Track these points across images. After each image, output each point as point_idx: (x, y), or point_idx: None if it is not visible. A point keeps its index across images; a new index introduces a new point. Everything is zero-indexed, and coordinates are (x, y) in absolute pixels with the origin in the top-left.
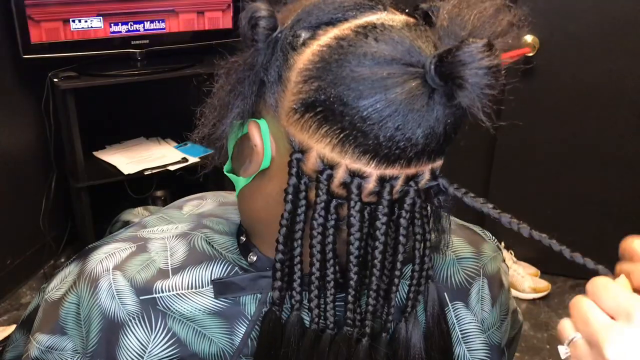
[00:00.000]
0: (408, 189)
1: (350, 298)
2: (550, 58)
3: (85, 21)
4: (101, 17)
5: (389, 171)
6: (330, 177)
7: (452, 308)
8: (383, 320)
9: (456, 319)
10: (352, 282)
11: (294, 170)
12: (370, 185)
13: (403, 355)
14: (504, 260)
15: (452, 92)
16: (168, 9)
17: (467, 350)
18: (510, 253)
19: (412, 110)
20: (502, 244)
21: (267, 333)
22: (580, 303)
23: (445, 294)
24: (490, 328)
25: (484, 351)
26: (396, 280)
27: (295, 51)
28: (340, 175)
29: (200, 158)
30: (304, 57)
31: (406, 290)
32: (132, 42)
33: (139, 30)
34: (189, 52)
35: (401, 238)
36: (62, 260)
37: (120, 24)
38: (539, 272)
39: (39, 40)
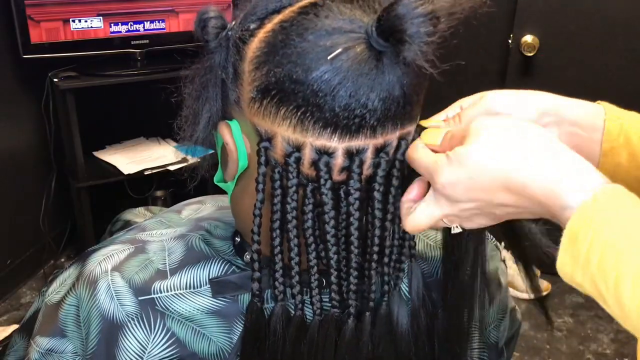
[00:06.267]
0: (379, 160)
1: (332, 279)
2: (550, 58)
3: (85, 21)
4: (101, 17)
5: (355, 143)
6: (298, 160)
7: None
8: (366, 299)
9: None
10: (332, 262)
11: (262, 159)
12: (339, 160)
13: (388, 336)
14: (503, 260)
15: (396, 50)
16: (168, 9)
17: None
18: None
19: (362, 75)
20: (502, 244)
21: (251, 326)
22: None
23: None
24: (487, 327)
25: (481, 350)
26: (375, 257)
27: (245, 44)
28: (307, 155)
29: (202, 158)
30: (253, 46)
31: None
32: (132, 42)
33: (139, 30)
34: (189, 52)
35: (377, 212)
36: (62, 260)
37: (120, 24)
38: (539, 272)
39: (39, 40)
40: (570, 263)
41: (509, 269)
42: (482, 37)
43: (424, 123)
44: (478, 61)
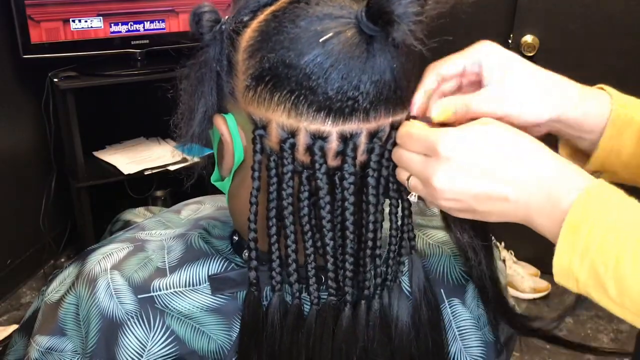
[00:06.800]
0: (373, 146)
1: (329, 266)
2: (550, 58)
3: (85, 21)
4: (101, 17)
5: (348, 126)
6: (293, 146)
7: (449, 305)
8: (361, 287)
9: (452, 316)
10: (328, 249)
11: (257, 146)
12: (333, 144)
13: (386, 328)
14: (503, 260)
15: (385, 31)
16: (168, 9)
17: (464, 348)
18: (511, 253)
19: (353, 58)
20: (502, 244)
21: (249, 317)
22: (397, 154)
23: (441, 290)
24: (486, 325)
25: (480, 348)
26: (370, 243)
27: (239, 35)
28: (302, 140)
29: (201, 158)
30: (247, 36)
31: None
32: (132, 42)
33: (139, 30)
34: (189, 52)
35: (371, 198)
36: (62, 260)
37: (120, 24)
38: (539, 272)
39: (39, 40)
40: (569, 252)
41: (508, 269)
42: (482, 37)
43: (436, 108)
44: None
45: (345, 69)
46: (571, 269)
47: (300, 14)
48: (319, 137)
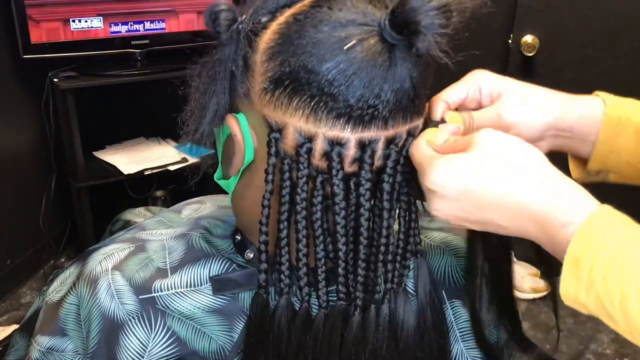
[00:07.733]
0: (390, 152)
1: (340, 270)
2: (550, 58)
3: (85, 21)
4: (101, 17)
5: (367, 134)
6: (310, 151)
7: (450, 306)
8: (371, 291)
9: (454, 317)
10: (340, 254)
11: (272, 150)
12: (351, 151)
13: (393, 331)
14: None
15: (410, 41)
16: (168, 9)
17: (465, 349)
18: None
19: (375, 66)
20: None
21: (256, 317)
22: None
23: (443, 291)
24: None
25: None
26: (382, 248)
27: (257, 36)
28: (319, 146)
29: (200, 158)
30: (266, 38)
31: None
32: (132, 42)
33: (139, 30)
34: (189, 52)
35: (385, 203)
36: (62, 260)
37: (120, 24)
38: (539, 272)
39: (39, 40)
40: (574, 284)
41: None
42: (482, 37)
43: (447, 115)
44: (478, 61)
45: (368, 77)
46: (578, 298)
47: (323, 18)
48: (337, 144)
